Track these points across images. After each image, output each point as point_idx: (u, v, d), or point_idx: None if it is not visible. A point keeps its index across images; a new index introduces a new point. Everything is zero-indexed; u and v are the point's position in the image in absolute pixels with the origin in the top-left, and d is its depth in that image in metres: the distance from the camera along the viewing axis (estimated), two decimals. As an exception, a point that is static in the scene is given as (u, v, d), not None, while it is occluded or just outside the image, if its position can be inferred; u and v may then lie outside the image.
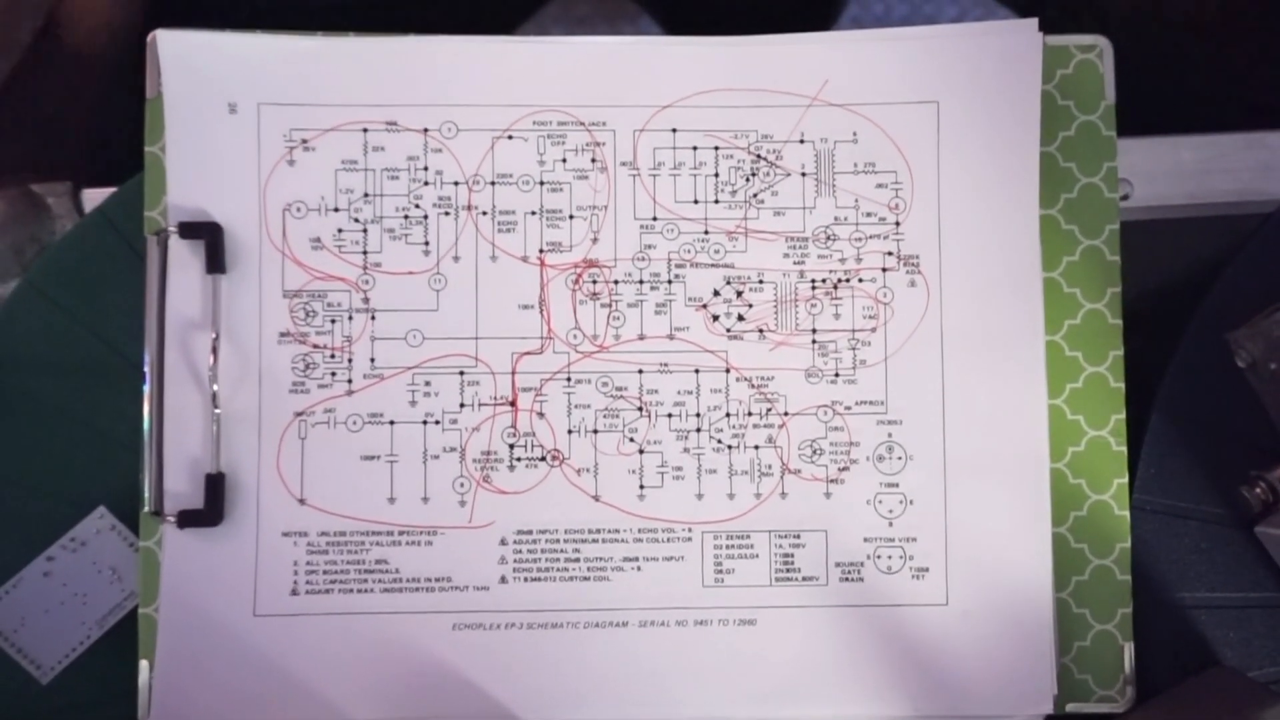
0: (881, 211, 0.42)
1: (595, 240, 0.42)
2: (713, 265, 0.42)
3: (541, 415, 0.41)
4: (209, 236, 0.41)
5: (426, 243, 0.42)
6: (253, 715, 0.40)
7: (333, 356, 0.41)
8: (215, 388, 0.41)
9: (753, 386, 0.42)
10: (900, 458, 0.42)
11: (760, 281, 0.42)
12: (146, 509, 0.41)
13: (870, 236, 0.42)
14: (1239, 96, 0.54)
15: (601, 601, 0.41)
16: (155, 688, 0.40)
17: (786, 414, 0.42)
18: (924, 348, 0.42)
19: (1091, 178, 0.42)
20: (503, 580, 0.41)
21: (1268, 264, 0.43)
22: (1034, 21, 0.42)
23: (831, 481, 0.42)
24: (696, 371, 0.42)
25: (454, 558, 0.41)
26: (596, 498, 0.41)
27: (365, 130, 0.42)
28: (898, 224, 0.42)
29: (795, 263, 0.42)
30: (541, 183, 0.42)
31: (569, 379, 0.42)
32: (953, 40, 0.42)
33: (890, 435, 0.42)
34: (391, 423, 0.41)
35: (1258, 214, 0.44)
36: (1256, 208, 0.44)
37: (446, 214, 0.42)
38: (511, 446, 0.41)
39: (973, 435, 0.41)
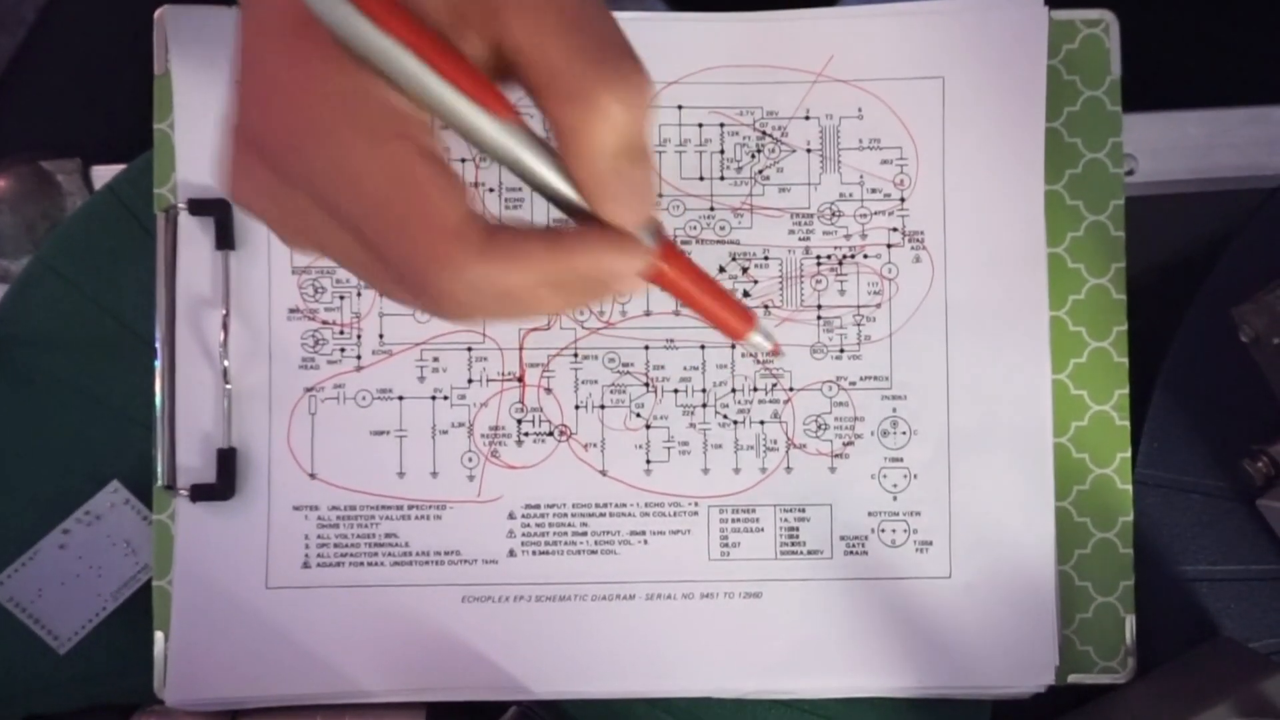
0: (886, 187, 0.42)
1: (602, 216, 0.42)
2: (718, 241, 0.42)
3: (549, 391, 0.42)
4: (218, 213, 0.41)
5: (434, 219, 0.42)
6: (265, 685, 0.41)
7: (342, 333, 0.42)
8: (226, 363, 0.41)
9: (758, 362, 0.42)
10: (904, 432, 0.42)
11: (766, 258, 0.42)
12: (159, 483, 0.41)
13: (875, 212, 0.42)
14: (1244, 71, 0.54)
15: (609, 574, 0.42)
16: (170, 658, 0.41)
17: (792, 389, 0.42)
18: (928, 323, 0.42)
19: (1096, 153, 0.42)
20: (511, 553, 0.42)
21: (1272, 239, 0.43)
22: (1040, -4, 0.42)
23: (836, 456, 0.42)
24: (702, 347, 0.42)
25: (463, 531, 0.42)
26: (604, 472, 0.42)
27: (372, 107, 0.42)
28: (903, 200, 0.42)
29: (800, 239, 0.42)
30: (548, 159, 0.42)
31: (576, 355, 0.42)
32: (958, 15, 0.42)
33: (895, 410, 0.42)
34: (400, 398, 0.42)
35: (1262, 189, 0.44)
36: (1261, 183, 0.44)
37: (454, 191, 0.42)
38: (519, 422, 0.42)
39: (977, 410, 0.42)
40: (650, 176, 0.26)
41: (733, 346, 0.42)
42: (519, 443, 0.42)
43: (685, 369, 0.42)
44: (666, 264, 0.27)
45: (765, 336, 0.30)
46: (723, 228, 0.42)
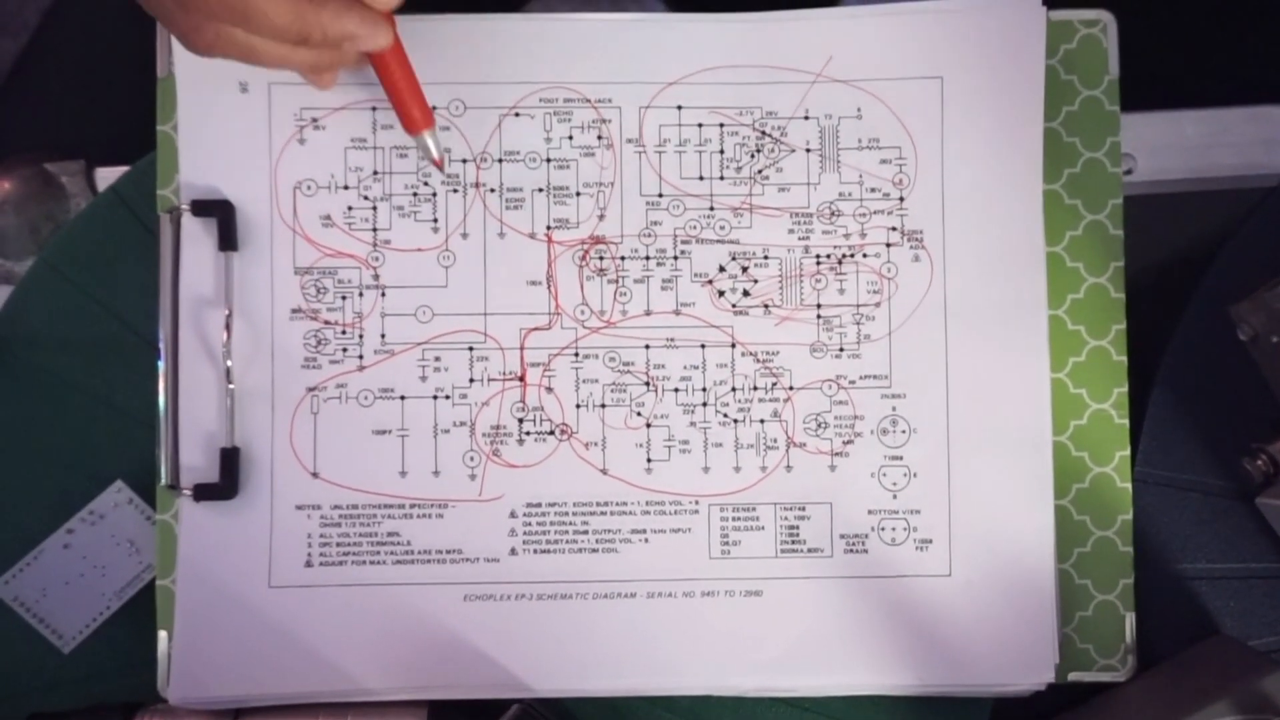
0: (885, 187, 0.42)
1: (602, 217, 0.42)
2: (718, 241, 0.42)
3: (550, 390, 0.42)
4: (221, 214, 0.41)
5: (435, 220, 0.42)
6: (268, 684, 0.41)
7: (344, 333, 0.42)
8: (229, 364, 0.41)
9: (758, 361, 0.42)
10: (904, 431, 0.42)
11: (765, 257, 0.42)
12: (163, 483, 0.41)
13: (874, 212, 0.42)
14: (1242, 71, 0.54)
15: (610, 573, 0.42)
16: (174, 657, 0.41)
17: (791, 388, 0.42)
18: (927, 322, 0.42)
19: (1095, 152, 0.43)
20: (512, 552, 0.42)
21: (1270, 237, 0.43)
22: (1038, -4, 0.42)
23: (836, 455, 0.42)
24: (703, 346, 0.42)
25: (464, 530, 0.42)
26: (604, 471, 0.42)
27: (374, 109, 0.42)
28: (902, 199, 0.42)
29: (800, 238, 0.42)
30: (548, 160, 0.42)
31: (577, 354, 0.42)
32: (956, 15, 0.42)
33: (894, 409, 0.42)
34: (402, 398, 0.42)
35: (1260, 188, 0.44)
36: (1259, 181, 0.44)
37: (455, 191, 0.42)
38: (520, 421, 0.42)
39: (976, 409, 0.42)
40: None
41: (733, 345, 0.42)
42: (520, 442, 0.42)
43: (685, 368, 0.42)
44: (392, 48, 0.38)
45: (434, 145, 0.40)
46: (722, 227, 0.42)
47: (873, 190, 0.42)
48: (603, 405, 0.42)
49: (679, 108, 0.42)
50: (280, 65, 0.37)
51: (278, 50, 0.36)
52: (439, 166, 0.41)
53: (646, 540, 0.42)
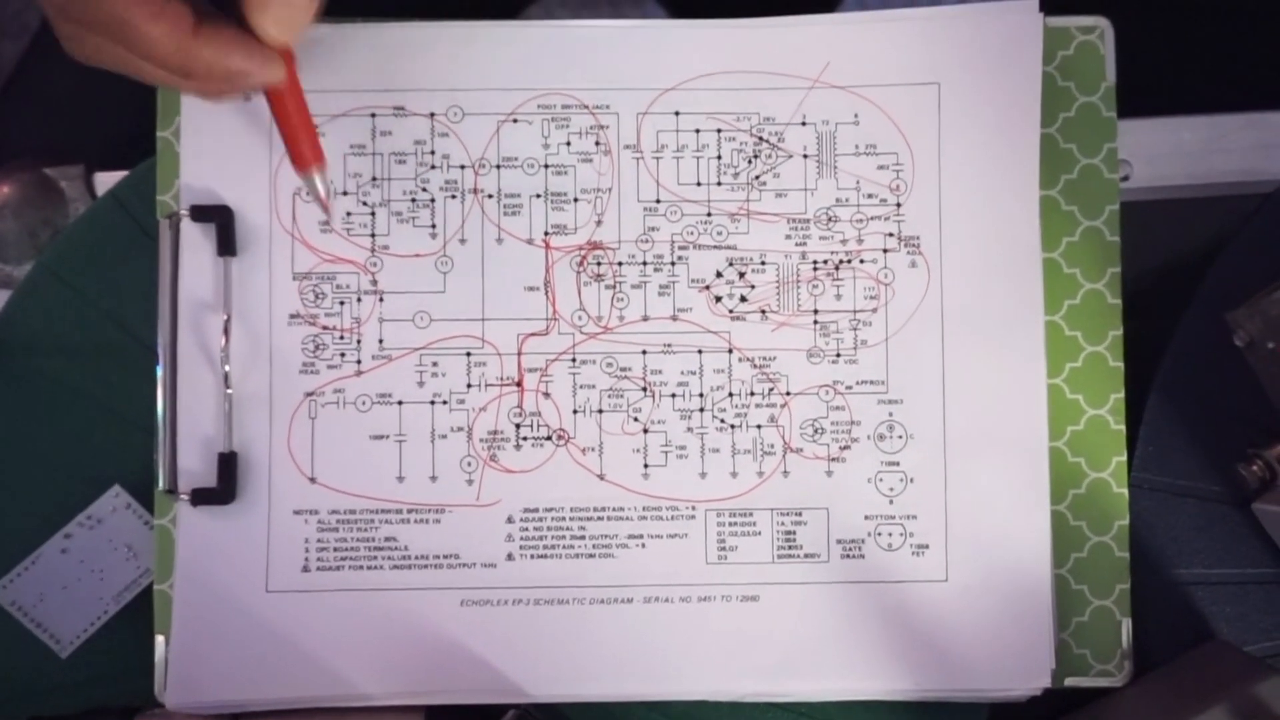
0: (882, 193, 0.42)
1: (599, 222, 0.42)
2: (715, 247, 0.42)
3: (547, 395, 0.42)
4: (220, 219, 0.42)
5: (433, 225, 0.42)
6: (265, 688, 0.41)
7: (342, 338, 0.42)
8: (227, 368, 0.41)
9: (755, 366, 0.42)
10: (901, 437, 0.42)
11: (762, 263, 0.42)
12: (161, 487, 0.41)
13: (871, 218, 0.42)
14: (1239, 77, 0.54)
15: (606, 578, 0.42)
16: (171, 662, 0.41)
17: (788, 394, 0.42)
18: (924, 328, 0.42)
19: (1092, 158, 0.43)
20: (509, 557, 0.42)
21: (1267, 244, 0.43)
22: (1034, 2, 0.42)
23: (833, 460, 0.42)
24: (699, 352, 0.42)
25: (462, 535, 0.42)
26: (601, 476, 0.42)
27: (373, 115, 0.42)
28: (899, 205, 0.42)
29: (797, 244, 0.42)
30: (546, 166, 0.42)
31: (574, 359, 0.42)
32: (953, 22, 0.42)
33: (891, 414, 0.42)
34: (400, 403, 0.42)
35: (1257, 194, 0.44)
36: (1256, 188, 0.44)
37: (453, 197, 0.42)
38: (518, 426, 0.42)
39: (973, 414, 0.42)
40: (306, 7, 0.33)
41: (730, 351, 0.42)
42: (517, 447, 0.42)
43: (682, 373, 0.42)
44: (285, 85, 0.35)
45: (321, 185, 0.38)
46: (720, 233, 0.42)
47: (870, 196, 0.42)
48: (600, 411, 0.42)
49: (677, 113, 0.42)
50: (167, 87, 0.35)
51: (162, 75, 0.34)
52: (325, 208, 0.39)
53: (643, 545, 0.42)
